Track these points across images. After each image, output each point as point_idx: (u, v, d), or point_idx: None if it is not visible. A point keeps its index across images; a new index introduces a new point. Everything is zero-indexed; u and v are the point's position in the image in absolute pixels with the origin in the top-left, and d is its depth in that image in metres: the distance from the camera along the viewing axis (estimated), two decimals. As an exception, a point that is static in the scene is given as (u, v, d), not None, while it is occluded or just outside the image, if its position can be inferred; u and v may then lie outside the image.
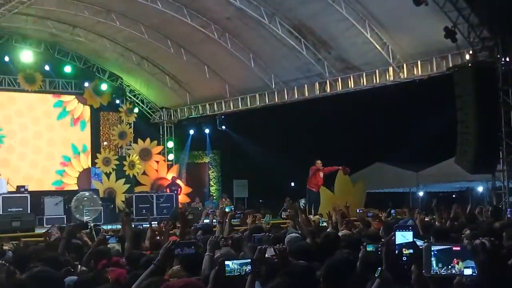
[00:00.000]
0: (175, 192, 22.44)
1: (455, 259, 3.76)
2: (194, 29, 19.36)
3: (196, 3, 18.65)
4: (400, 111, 20.84)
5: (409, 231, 5.57)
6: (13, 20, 19.35)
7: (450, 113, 15.27)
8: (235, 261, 4.72)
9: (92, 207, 19.02)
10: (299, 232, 8.59)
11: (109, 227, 14.06)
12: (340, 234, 8.30)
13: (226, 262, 4.57)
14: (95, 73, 24.00)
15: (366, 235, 7.81)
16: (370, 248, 5.97)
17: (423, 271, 3.80)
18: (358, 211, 15.09)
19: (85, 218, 18.03)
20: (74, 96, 23.74)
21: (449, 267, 3.70)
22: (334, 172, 18.67)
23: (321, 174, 18.58)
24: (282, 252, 5.58)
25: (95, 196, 19.60)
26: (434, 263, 3.72)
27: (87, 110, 24.04)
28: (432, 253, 3.78)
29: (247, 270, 4.67)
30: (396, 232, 5.47)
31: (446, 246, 3.90)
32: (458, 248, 3.82)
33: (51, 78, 23.11)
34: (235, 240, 6.50)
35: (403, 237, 5.47)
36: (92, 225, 12.31)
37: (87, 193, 19.67)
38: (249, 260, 4.76)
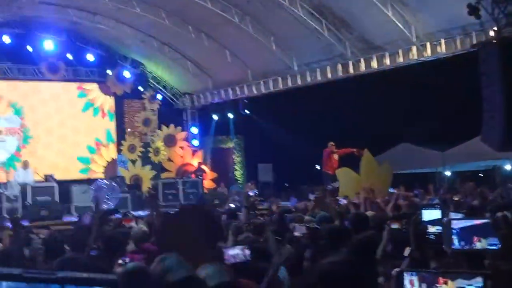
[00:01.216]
0: (201, 177, 22.50)
1: (475, 237, 3.72)
2: (214, 13, 19.30)
3: (215, -13, 18.59)
4: (424, 90, 20.59)
5: (435, 209, 5.52)
6: (35, 9, 19.45)
7: (475, 91, 15.06)
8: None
9: (112, 195, 19.06)
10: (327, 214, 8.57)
11: (136, 213, 14.11)
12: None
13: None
14: (117, 61, 24.07)
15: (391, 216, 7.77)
16: (395, 226, 5.95)
17: (443, 247, 3.76)
18: (391, 190, 15.04)
19: (105, 206, 18.04)
20: (97, 85, 23.84)
21: (472, 245, 3.66)
22: (349, 154, 18.52)
23: (336, 157, 18.46)
24: (313, 231, 5.55)
25: (114, 184, 19.62)
26: (456, 240, 3.69)
27: (109, 99, 24.13)
28: (453, 230, 3.74)
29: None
30: (423, 210, 5.43)
31: (467, 222, 3.86)
32: (479, 222, 3.78)
33: (73, 66, 23.22)
34: (257, 226, 6.49)
35: (430, 215, 5.42)
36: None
37: (106, 181, 19.72)
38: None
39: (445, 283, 2.97)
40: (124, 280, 3.54)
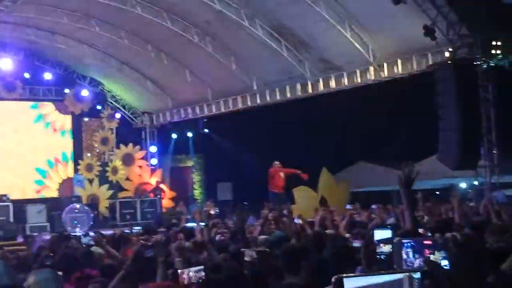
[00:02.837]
0: (159, 196, 22.36)
1: (426, 250, 3.80)
2: (174, 33, 19.34)
3: (175, 7, 18.64)
4: (381, 110, 20.89)
5: (387, 229, 5.63)
6: (-8, 27, 19.23)
7: (431, 110, 15.35)
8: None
9: (83, 219, 18.85)
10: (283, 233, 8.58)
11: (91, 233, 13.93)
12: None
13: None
14: (76, 80, 23.87)
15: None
16: (356, 244, 6.03)
17: (395, 266, 3.83)
18: (348, 207, 15.14)
19: (77, 230, 17.71)
20: (53, 105, 23.57)
21: (424, 258, 3.74)
22: (293, 175, 18.60)
23: (282, 175, 18.56)
24: (264, 255, 5.56)
25: (86, 208, 19.34)
26: (405, 255, 3.76)
27: (67, 118, 23.87)
28: (404, 245, 3.81)
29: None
30: (375, 231, 5.53)
31: (417, 239, 3.94)
32: (430, 242, 3.86)
33: (31, 85, 22.95)
34: (198, 244, 6.51)
35: (381, 235, 5.53)
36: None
37: (77, 205, 19.43)
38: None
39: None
40: None
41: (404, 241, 3.86)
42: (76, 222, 18.62)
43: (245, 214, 10.96)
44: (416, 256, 3.77)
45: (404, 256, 3.78)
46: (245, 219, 9.62)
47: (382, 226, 5.71)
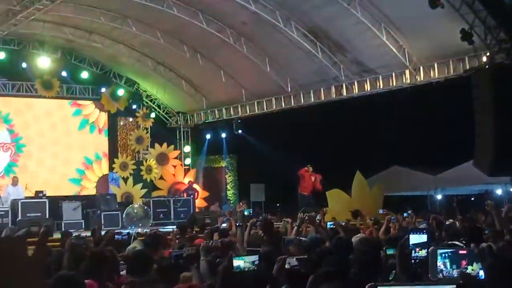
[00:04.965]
0: (192, 196, 22.47)
1: (463, 261, 3.74)
2: (210, 34, 19.41)
3: (211, 8, 18.70)
4: (417, 114, 20.72)
5: (423, 233, 5.58)
6: (30, 26, 19.50)
7: (467, 115, 15.17)
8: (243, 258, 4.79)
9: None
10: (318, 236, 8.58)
11: (126, 231, 14.06)
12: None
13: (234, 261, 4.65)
14: (112, 79, 24.12)
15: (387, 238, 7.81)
16: (390, 251, 5.98)
17: (429, 275, 3.78)
18: (380, 211, 15.05)
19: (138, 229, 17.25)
20: (91, 102, 23.85)
21: (461, 269, 3.68)
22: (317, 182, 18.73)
23: (312, 178, 18.54)
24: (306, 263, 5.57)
25: (145, 208, 19.02)
26: (442, 265, 3.71)
27: (103, 116, 24.14)
28: (439, 256, 3.76)
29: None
30: (410, 235, 5.48)
31: (452, 250, 3.89)
32: (465, 252, 3.81)
33: (68, 84, 23.24)
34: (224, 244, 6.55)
35: (417, 239, 5.47)
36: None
37: (136, 205, 19.13)
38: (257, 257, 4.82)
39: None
40: None
41: (439, 251, 3.82)
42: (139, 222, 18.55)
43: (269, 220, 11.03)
44: (454, 267, 3.73)
45: (442, 266, 3.74)
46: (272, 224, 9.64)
47: (418, 230, 5.66)
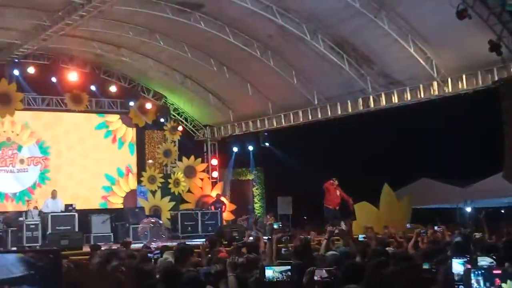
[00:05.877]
0: (220, 209, 22.52)
1: (497, 279, 3.70)
2: (237, 47, 19.50)
3: (238, 22, 18.80)
4: (445, 125, 20.58)
5: (464, 258, 5.54)
6: (60, 41, 19.76)
7: (496, 127, 15.02)
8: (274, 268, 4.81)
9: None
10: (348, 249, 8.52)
11: (154, 244, 14.15)
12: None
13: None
14: (140, 92, 24.34)
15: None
16: (426, 266, 5.96)
17: None
18: (408, 226, 14.92)
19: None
20: (118, 117, 24.05)
21: (495, 286, 3.64)
22: (344, 199, 18.60)
23: (338, 192, 18.44)
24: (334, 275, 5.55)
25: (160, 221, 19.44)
26: (476, 283, 3.67)
27: (130, 131, 24.31)
28: (473, 274, 3.72)
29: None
30: (453, 260, 5.43)
31: (487, 268, 3.85)
32: (499, 272, 3.76)
33: (96, 98, 23.49)
34: (251, 261, 6.54)
35: (459, 264, 5.39)
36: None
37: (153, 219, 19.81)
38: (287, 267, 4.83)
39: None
40: None
41: (473, 270, 3.78)
42: (147, 232, 18.83)
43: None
44: (488, 284, 3.69)
45: (475, 284, 3.70)
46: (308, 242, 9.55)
47: (459, 255, 5.62)
